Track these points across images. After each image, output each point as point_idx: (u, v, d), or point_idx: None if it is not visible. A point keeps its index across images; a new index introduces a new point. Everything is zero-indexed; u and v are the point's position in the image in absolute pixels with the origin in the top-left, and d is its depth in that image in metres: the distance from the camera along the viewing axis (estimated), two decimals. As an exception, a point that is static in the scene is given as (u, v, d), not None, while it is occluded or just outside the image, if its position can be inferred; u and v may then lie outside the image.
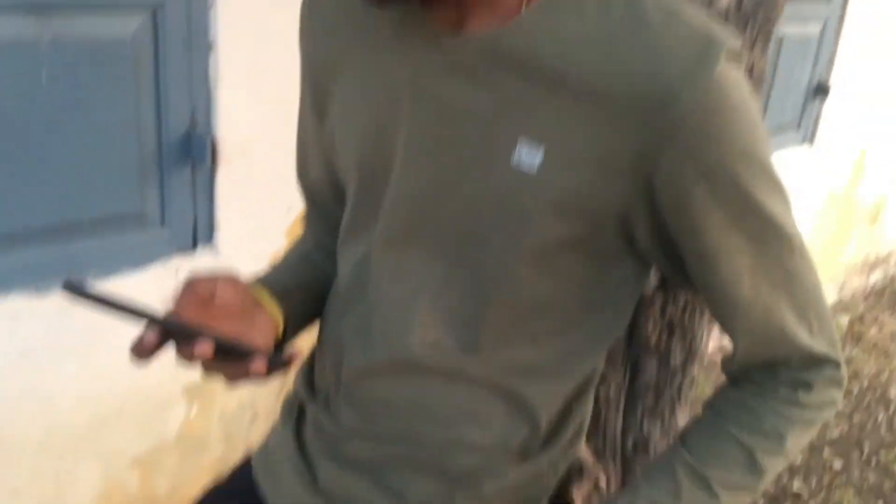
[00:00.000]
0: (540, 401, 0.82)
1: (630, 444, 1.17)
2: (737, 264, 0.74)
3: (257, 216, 1.90)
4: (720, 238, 0.73)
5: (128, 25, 1.62)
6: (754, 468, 0.78)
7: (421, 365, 0.82)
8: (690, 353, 1.17)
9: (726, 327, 0.79)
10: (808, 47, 3.76)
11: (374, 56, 0.80)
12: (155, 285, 1.77)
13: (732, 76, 0.69)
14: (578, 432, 0.89)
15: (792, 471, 2.60)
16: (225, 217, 1.86)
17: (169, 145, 1.73)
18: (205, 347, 0.69)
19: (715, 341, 2.89)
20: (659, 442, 1.17)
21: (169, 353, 0.73)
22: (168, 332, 0.71)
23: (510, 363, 0.81)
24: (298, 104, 0.93)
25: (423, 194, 0.78)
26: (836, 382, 0.79)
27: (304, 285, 0.93)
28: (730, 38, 0.69)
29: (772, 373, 0.78)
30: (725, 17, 1.04)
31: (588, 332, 0.82)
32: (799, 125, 3.87)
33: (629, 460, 1.17)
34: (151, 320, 0.70)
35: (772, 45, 3.57)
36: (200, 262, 1.85)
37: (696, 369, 1.18)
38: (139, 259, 1.76)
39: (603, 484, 1.12)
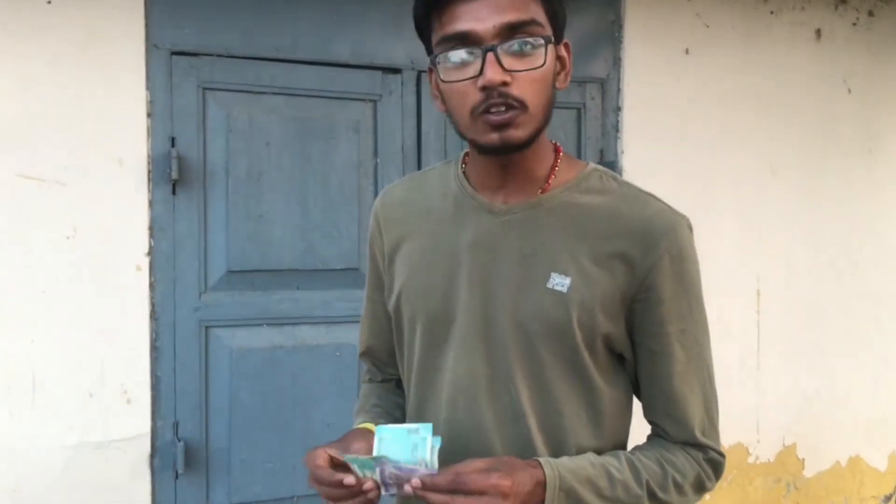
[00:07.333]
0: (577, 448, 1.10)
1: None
2: (672, 366, 1.08)
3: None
4: (669, 345, 1.07)
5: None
6: (665, 483, 1.07)
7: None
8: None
9: (655, 411, 1.12)
10: None
11: (436, 229, 1.13)
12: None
13: (689, 237, 1.08)
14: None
15: None
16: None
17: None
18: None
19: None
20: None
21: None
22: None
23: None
24: (365, 300, 1.28)
25: (484, 311, 1.08)
26: (717, 463, 1.12)
27: (388, 410, 1.26)
28: (686, 217, 1.09)
29: (683, 444, 1.11)
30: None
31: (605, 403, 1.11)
32: None
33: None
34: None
35: None
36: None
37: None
38: None
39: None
